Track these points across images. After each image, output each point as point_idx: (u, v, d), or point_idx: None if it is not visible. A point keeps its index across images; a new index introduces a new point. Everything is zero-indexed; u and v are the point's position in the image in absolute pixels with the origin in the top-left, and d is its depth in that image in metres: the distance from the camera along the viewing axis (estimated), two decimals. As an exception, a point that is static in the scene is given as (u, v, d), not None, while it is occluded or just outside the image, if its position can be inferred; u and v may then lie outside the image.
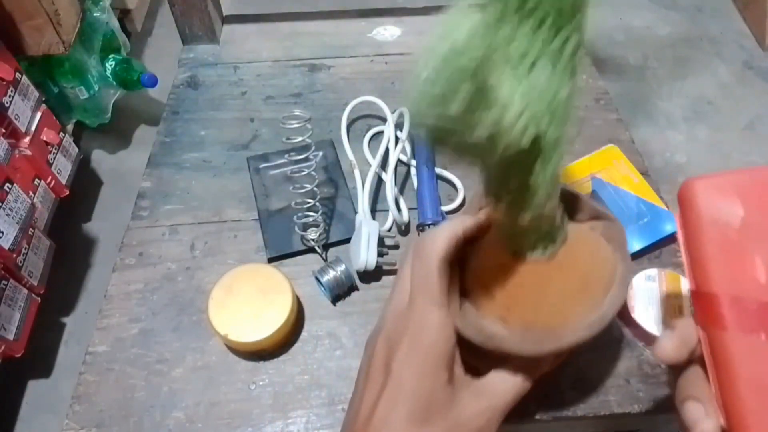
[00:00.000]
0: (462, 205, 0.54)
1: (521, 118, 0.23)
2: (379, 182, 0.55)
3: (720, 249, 0.28)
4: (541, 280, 0.34)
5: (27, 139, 0.98)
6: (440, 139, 0.23)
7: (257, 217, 0.53)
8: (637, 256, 0.50)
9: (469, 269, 0.37)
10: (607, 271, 0.35)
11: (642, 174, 0.54)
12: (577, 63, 0.26)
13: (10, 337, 0.88)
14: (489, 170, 0.31)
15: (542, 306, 0.34)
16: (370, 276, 0.49)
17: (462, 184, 0.55)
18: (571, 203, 0.37)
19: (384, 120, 0.58)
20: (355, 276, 0.49)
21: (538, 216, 0.32)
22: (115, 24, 1.25)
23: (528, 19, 0.23)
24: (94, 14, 1.15)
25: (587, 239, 0.36)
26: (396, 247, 0.51)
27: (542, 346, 0.32)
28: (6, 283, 0.87)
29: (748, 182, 0.28)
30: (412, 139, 0.58)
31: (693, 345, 0.29)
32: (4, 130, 0.92)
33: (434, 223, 0.51)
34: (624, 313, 0.45)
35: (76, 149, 1.15)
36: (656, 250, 0.51)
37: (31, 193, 0.96)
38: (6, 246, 0.85)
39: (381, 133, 0.59)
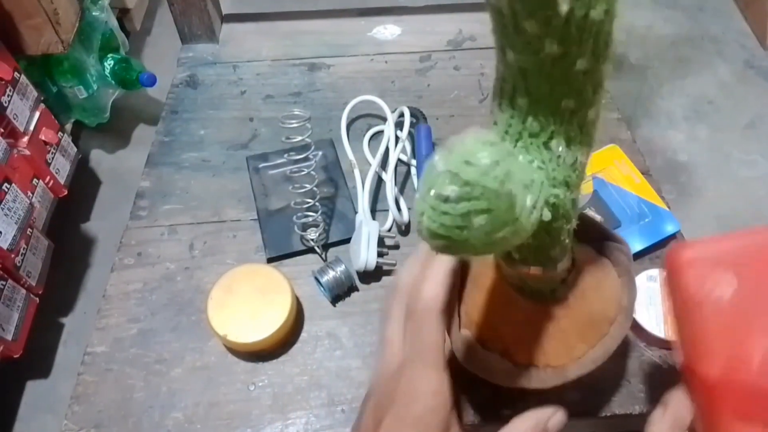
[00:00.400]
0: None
1: (534, 212, 0.23)
2: (379, 182, 0.55)
3: (712, 326, 0.25)
4: (547, 319, 0.34)
5: (25, 139, 0.98)
6: (450, 250, 0.23)
7: (256, 217, 0.53)
8: (638, 256, 0.50)
9: (468, 296, 0.37)
10: (612, 303, 0.36)
11: (643, 174, 0.54)
12: (591, 141, 0.26)
13: (9, 337, 0.88)
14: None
15: (548, 344, 0.34)
16: (370, 276, 0.49)
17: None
18: (579, 224, 0.37)
19: (384, 119, 0.58)
20: (355, 276, 0.49)
21: (549, 278, 0.32)
22: (114, 23, 1.24)
23: (540, 138, 0.25)
24: (93, 13, 1.15)
25: (594, 268, 0.36)
26: (396, 247, 0.51)
27: (547, 382, 0.34)
28: (4, 283, 0.87)
29: (740, 249, 0.26)
30: (412, 138, 0.58)
31: (687, 423, 0.27)
32: (2, 130, 0.92)
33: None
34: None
35: (75, 149, 1.15)
36: (657, 250, 0.51)
37: (29, 193, 0.96)
38: (4, 246, 0.85)
39: (381, 132, 0.59)
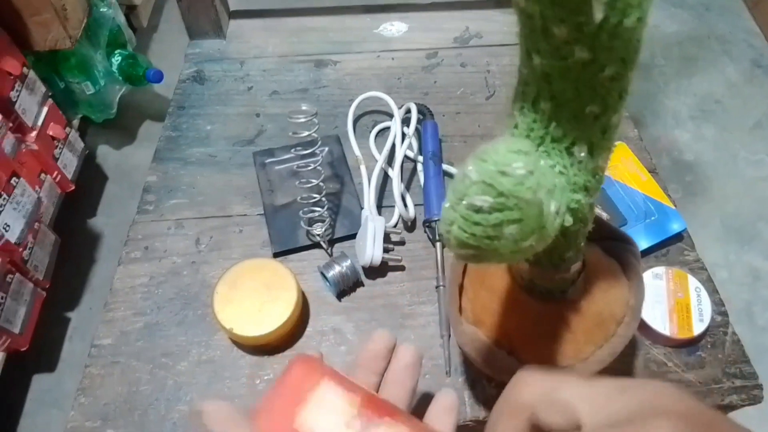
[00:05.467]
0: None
1: (558, 218, 0.23)
2: (386, 178, 0.55)
3: None
4: (555, 319, 0.34)
5: (33, 134, 0.98)
6: (477, 259, 0.23)
7: (263, 212, 0.53)
8: (644, 254, 0.50)
9: (476, 296, 0.37)
10: (620, 303, 0.35)
11: (650, 172, 0.54)
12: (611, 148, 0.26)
13: (16, 331, 0.88)
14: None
15: (555, 344, 0.34)
16: (376, 272, 0.49)
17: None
18: None
19: (390, 116, 0.58)
20: (361, 272, 0.49)
21: (560, 278, 0.32)
22: (121, 19, 1.25)
23: (563, 143, 0.25)
24: (101, 9, 1.15)
25: (602, 268, 0.36)
26: (402, 243, 0.51)
27: None
28: (12, 276, 0.87)
29: None
30: (418, 134, 0.58)
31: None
32: (11, 125, 0.93)
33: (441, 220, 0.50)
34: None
35: (82, 144, 1.15)
36: (664, 248, 0.51)
37: (37, 188, 0.97)
38: (12, 240, 0.86)
39: (387, 128, 0.59)
